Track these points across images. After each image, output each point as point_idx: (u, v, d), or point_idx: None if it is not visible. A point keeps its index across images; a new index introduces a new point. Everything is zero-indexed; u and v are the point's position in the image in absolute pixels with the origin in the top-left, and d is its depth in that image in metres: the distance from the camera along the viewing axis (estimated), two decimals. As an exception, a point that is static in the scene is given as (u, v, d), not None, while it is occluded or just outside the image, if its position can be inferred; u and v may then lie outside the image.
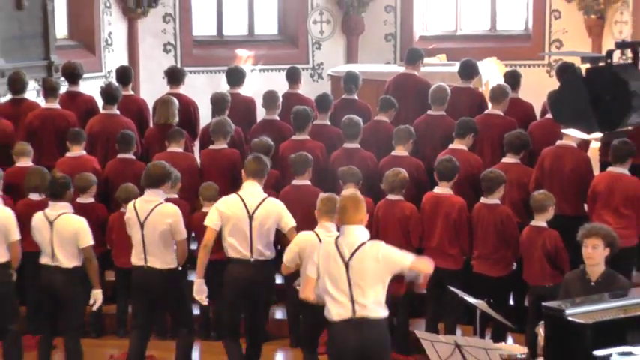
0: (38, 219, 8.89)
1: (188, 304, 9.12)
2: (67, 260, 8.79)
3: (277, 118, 11.27)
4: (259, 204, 8.66)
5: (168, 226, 8.68)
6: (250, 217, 8.61)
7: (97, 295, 8.85)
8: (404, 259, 7.41)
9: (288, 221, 8.71)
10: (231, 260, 8.73)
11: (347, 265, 7.31)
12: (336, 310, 7.35)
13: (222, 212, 8.64)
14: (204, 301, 8.84)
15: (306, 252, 8.14)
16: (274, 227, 8.73)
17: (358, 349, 7.33)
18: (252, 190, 8.76)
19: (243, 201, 8.65)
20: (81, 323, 9.11)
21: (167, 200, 8.99)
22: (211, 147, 10.61)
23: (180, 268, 9.02)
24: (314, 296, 7.52)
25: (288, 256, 8.43)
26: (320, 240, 8.08)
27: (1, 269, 8.94)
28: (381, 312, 7.37)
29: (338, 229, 8.00)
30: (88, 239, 8.80)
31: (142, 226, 8.69)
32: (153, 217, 8.68)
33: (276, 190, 9.85)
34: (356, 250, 7.32)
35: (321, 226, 8.41)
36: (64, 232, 8.77)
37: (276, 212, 8.71)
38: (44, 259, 8.89)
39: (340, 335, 7.41)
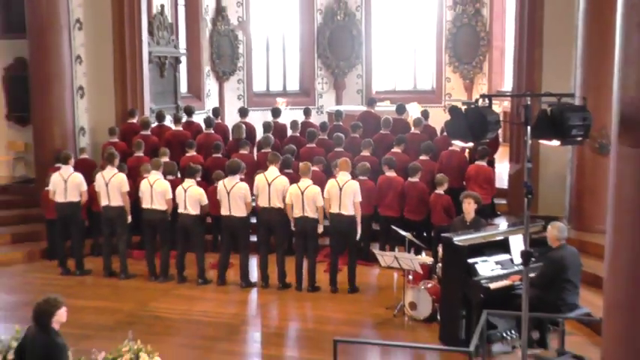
0: (178, 189, 8.97)
1: (249, 234, 9.07)
2: (194, 210, 8.87)
3: (298, 135, 11.24)
4: (274, 178, 8.73)
5: (242, 194, 8.69)
6: (269, 185, 8.70)
7: None
8: (358, 197, 8.43)
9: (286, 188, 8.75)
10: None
11: (341, 189, 8.38)
12: (332, 210, 8.43)
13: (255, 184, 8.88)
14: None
15: (289, 193, 8.52)
16: (282, 192, 8.69)
17: (341, 230, 8.47)
18: (271, 170, 8.85)
19: (265, 177, 8.77)
20: (202, 246, 9.09)
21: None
22: (262, 151, 10.57)
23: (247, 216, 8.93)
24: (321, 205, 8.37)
25: (287, 198, 8.59)
26: (300, 187, 8.47)
27: (162, 213, 9.01)
28: (350, 212, 8.39)
29: (315, 183, 8.63)
30: (205, 200, 8.93)
31: (228, 193, 8.71)
32: (234, 189, 8.71)
33: (296, 172, 9.71)
34: (345, 183, 8.40)
35: (301, 180, 8.58)
36: (193, 196, 8.86)
37: (283, 183, 8.73)
38: (180, 210, 8.94)
39: (333, 221, 8.49)
